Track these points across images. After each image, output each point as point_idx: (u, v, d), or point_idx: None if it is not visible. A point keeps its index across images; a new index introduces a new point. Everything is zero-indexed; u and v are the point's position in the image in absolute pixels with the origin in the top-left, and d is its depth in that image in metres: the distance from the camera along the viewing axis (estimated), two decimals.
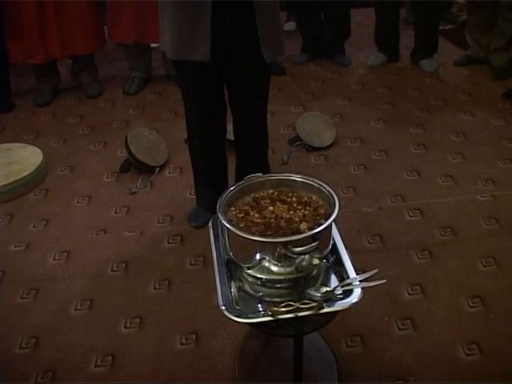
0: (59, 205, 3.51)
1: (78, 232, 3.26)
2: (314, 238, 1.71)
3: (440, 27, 5.23)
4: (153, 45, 4.77)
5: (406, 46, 5.18)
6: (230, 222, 1.80)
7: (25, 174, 3.63)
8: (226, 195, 1.91)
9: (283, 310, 1.70)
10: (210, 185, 3.19)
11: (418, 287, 2.77)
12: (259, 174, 2.02)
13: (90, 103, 4.70)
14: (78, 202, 3.52)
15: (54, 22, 4.35)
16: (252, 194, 1.97)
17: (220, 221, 1.83)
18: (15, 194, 3.58)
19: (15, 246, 3.17)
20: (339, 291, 1.77)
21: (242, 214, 1.87)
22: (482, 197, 3.39)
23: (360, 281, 1.78)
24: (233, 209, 1.91)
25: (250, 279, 1.84)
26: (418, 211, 3.29)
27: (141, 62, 4.82)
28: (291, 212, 1.87)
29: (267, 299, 1.80)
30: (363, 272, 1.80)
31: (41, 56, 4.47)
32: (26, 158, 3.79)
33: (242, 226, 1.81)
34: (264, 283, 1.82)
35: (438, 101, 4.53)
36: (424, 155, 3.83)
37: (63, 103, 4.73)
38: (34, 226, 3.33)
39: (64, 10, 4.36)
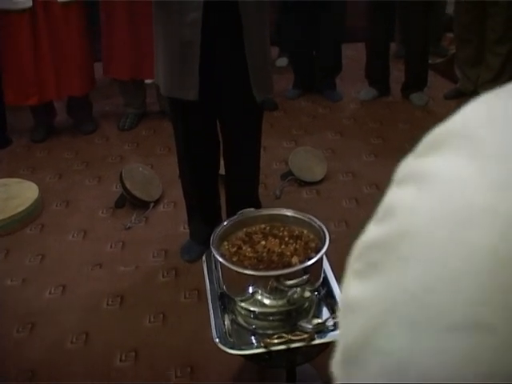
0: (55, 239, 3.54)
1: (73, 266, 3.29)
2: (305, 271, 1.76)
3: (430, 61, 5.31)
4: (147, 81, 4.82)
5: (396, 80, 5.24)
6: (223, 256, 1.84)
7: (21, 209, 3.66)
8: (219, 230, 1.96)
9: (276, 341, 1.74)
10: (202, 220, 3.23)
11: None
12: (252, 209, 2.07)
13: (85, 139, 4.75)
14: (73, 237, 3.55)
15: (49, 61, 4.41)
16: (244, 229, 2.02)
17: (213, 255, 1.87)
18: (11, 228, 3.61)
19: (11, 281, 3.20)
20: (330, 323, 1.81)
21: (235, 249, 1.91)
22: None
23: None
24: (226, 243, 1.95)
25: (243, 312, 1.88)
26: None
27: (135, 98, 4.88)
28: (283, 246, 1.91)
29: (260, 331, 1.84)
30: None
31: (36, 98, 4.51)
32: (22, 193, 3.83)
33: (234, 260, 1.86)
34: (257, 316, 1.86)
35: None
36: None
37: (59, 139, 4.78)
38: (29, 261, 3.36)
39: (59, 52, 4.42)
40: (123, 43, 4.52)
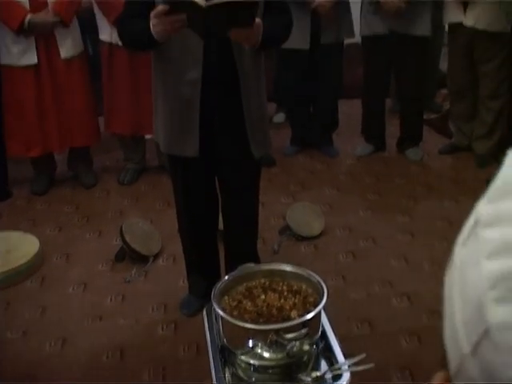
0: (55, 293, 3.57)
1: (73, 319, 3.32)
2: (304, 324, 1.80)
3: (424, 117, 5.42)
4: (147, 136, 4.91)
5: (392, 135, 5.33)
6: (223, 310, 1.89)
7: (21, 262, 3.70)
8: (220, 284, 2.01)
9: None
10: (201, 274, 3.27)
11: (406, 371, 2.83)
12: (251, 265, 2.12)
13: (86, 193, 4.81)
14: (73, 290, 3.59)
15: (52, 116, 4.54)
16: (245, 284, 2.06)
17: (214, 309, 1.92)
18: (12, 281, 3.64)
19: (11, 334, 3.22)
20: (329, 375, 1.84)
21: (236, 303, 1.96)
22: None
23: (349, 365, 1.86)
24: (226, 297, 2.00)
25: (243, 365, 1.91)
26: (405, 297, 3.37)
27: (135, 153, 4.97)
28: (282, 300, 1.96)
29: None
30: (352, 357, 1.87)
31: (39, 149, 4.62)
32: (22, 245, 3.87)
33: (235, 313, 1.90)
34: (257, 369, 1.89)
35: (424, 188, 4.66)
36: (411, 242, 3.94)
37: (59, 192, 4.85)
38: (30, 314, 3.38)
39: (63, 103, 4.55)
40: (124, 100, 4.64)
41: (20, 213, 4.55)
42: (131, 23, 2.66)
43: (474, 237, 0.60)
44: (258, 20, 2.46)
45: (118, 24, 2.80)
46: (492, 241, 0.55)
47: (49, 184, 4.90)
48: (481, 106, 4.96)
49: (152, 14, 2.43)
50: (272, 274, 2.10)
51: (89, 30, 5.09)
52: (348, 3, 5.01)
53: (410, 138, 5.23)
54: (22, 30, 4.32)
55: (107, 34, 4.53)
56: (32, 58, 4.41)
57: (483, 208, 0.61)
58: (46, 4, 4.35)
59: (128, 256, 3.83)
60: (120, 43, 4.07)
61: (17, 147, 4.63)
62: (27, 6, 4.31)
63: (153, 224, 4.12)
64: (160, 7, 2.40)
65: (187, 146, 2.79)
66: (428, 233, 4.03)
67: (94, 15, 4.65)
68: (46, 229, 4.29)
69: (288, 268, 2.09)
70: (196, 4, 2.25)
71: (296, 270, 2.08)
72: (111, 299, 3.48)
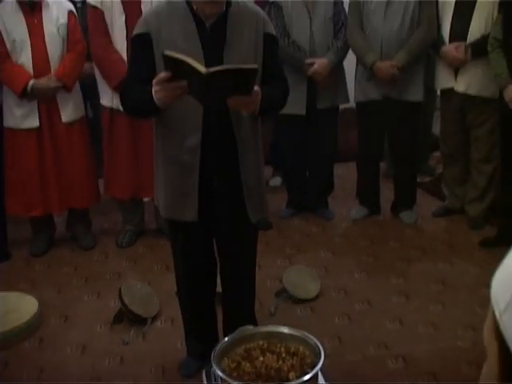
0: (53, 354, 3.57)
1: (71, 381, 3.31)
2: None
3: (418, 180, 5.51)
4: (145, 199, 4.97)
5: (386, 198, 5.40)
6: (223, 371, 1.93)
7: (20, 322, 3.70)
8: (219, 346, 2.05)
9: None
10: (199, 336, 3.30)
11: None
12: (250, 327, 2.18)
13: (84, 254, 4.85)
14: (71, 351, 3.59)
15: (53, 177, 4.62)
16: (243, 345, 2.11)
17: (214, 370, 1.96)
18: (10, 342, 3.63)
19: None
20: None
21: (235, 364, 2.00)
22: (462, 343, 3.51)
23: None
24: (226, 359, 2.04)
25: None
26: (401, 358, 3.40)
27: (134, 215, 5.02)
28: (280, 362, 2.01)
29: None
30: None
31: (39, 210, 4.69)
32: (21, 306, 3.88)
33: (234, 375, 1.95)
34: None
35: (418, 251, 4.72)
36: (405, 304, 3.98)
37: (58, 254, 4.88)
38: (28, 375, 3.37)
39: (63, 166, 4.64)
40: (124, 164, 4.73)
41: (19, 274, 4.57)
42: (133, 90, 2.74)
43: None
44: (256, 87, 2.53)
45: (121, 91, 2.89)
46: None
47: (48, 245, 4.93)
48: (473, 169, 5.06)
49: (154, 81, 2.51)
50: (270, 336, 2.15)
51: (89, 94, 5.21)
52: (343, 70, 5.16)
53: (404, 201, 5.31)
54: (25, 94, 4.44)
55: (108, 99, 4.64)
56: (34, 122, 4.52)
57: None
58: (49, 69, 4.48)
59: (126, 318, 3.84)
60: (121, 108, 4.22)
61: (17, 207, 4.70)
62: (31, 70, 4.44)
63: (151, 286, 4.14)
64: (162, 74, 2.48)
65: (186, 210, 2.86)
66: (422, 295, 4.07)
67: (95, 80, 4.77)
68: (44, 290, 4.30)
69: (285, 330, 2.15)
70: (197, 71, 2.32)
71: (293, 332, 2.13)
72: (109, 361, 3.49)
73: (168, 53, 2.37)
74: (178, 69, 2.42)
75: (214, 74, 2.32)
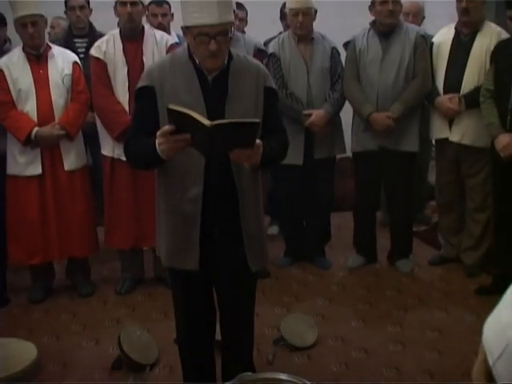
0: None
1: None
2: None
3: (414, 229, 5.54)
4: (145, 248, 5.02)
5: (383, 247, 5.44)
6: None
7: (18, 369, 3.67)
8: None
9: None
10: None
11: None
12: (249, 373, 2.21)
13: (83, 301, 4.86)
14: None
15: (54, 225, 4.67)
16: None
17: None
18: None
19: None
20: None
21: None
22: None
23: None
24: None
25: None
26: None
27: (133, 264, 5.05)
28: None
29: None
30: None
31: (40, 257, 4.72)
32: (19, 353, 3.86)
33: None
34: None
35: (414, 299, 4.74)
36: (402, 352, 3.99)
37: (57, 300, 4.90)
38: None
39: (65, 214, 4.69)
40: (125, 214, 4.78)
41: (17, 320, 4.59)
42: (137, 141, 2.81)
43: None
44: (258, 141, 2.60)
45: (125, 142, 2.95)
46: None
47: (46, 292, 4.95)
48: (468, 218, 5.11)
49: (158, 134, 2.58)
50: (269, 382, 2.18)
51: (90, 142, 5.28)
52: (340, 121, 5.25)
53: (401, 250, 5.35)
54: (29, 142, 4.52)
55: (109, 149, 4.73)
56: (37, 169, 4.60)
57: None
58: (53, 118, 4.58)
59: (125, 365, 3.85)
60: (122, 158, 4.31)
61: (18, 254, 4.74)
62: (35, 118, 4.53)
63: (150, 333, 4.15)
64: (166, 127, 2.55)
65: (188, 259, 2.91)
66: (419, 343, 4.09)
67: (95, 129, 4.85)
68: (43, 336, 4.31)
69: (284, 377, 2.19)
70: (201, 124, 2.40)
71: (292, 378, 2.17)
72: None
73: (172, 106, 2.45)
74: (181, 122, 2.50)
75: (217, 127, 2.40)
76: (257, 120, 2.56)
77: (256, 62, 3.06)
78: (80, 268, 5.02)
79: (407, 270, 5.25)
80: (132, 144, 2.86)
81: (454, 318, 4.43)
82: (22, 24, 4.47)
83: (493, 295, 4.42)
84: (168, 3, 5.49)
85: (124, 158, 4.31)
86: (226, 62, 2.84)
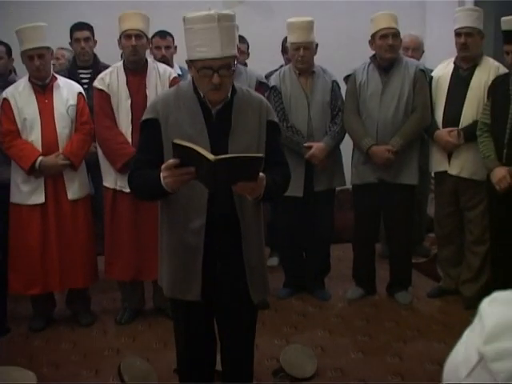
0: None
1: None
2: None
3: (413, 261, 5.56)
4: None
5: (382, 279, 5.46)
6: None
7: None
8: None
9: None
10: None
11: None
12: None
13: (83, 331, 4.87)
14: None
15: (55, 255, 4.68)
16: None
17: None
18: None
19: None
20: None
21: None
22: None
23: None
24: None
25: None
26: None
27: (133, 294, 5.04)
28: None
29: None
30: None
31: (39, 288, 4.73)
32: (19, 381, 3.86)
33: None
34: None
35: (414, 331, 4.75)
36: None
37: (57, 330, 4.90)
38: None
39: (66, 243, 4.71)
40: (126, 246, 4.79)
41: (17, 349, 4.59)
42: (142, 174, 2.85)
43: (481, 370, 0.88)
44: (262, 174, 2.65)
45: (129, 173, 2.98)
46: (503, 372, 0.84)
47: (47, 321, 4.96)
48: (467, 250, 5.13)
49: (163, 167, 2.62)
50: None
51: (92, 171, 5.32)
52: (340, 153, 5.31)
53: (400, 282, 5.36)
54: (33, 171, 4.57)
55: (111, 181, 4.76)
56: (40, 198, 4.63)
57: (485, 348, 0.88)
58: (57, 147, 4.63)
59: None
60: (124, 190, 4.35)
61: (18, 284, 4.75)
62: (40, 148, 4.58)
63: (150, 363, 4.16)
64: (171, 161, 2.59)
65: (190, 290, 2.93)
66: (418, 375, 4.09)
67: (97, 158, 4.89)
68: (43, 365, 4.31)
69: None
70: (206, 158, 2.44)
71: None
72: None
73: (177, 141, 2.50)
74: (186, 156, 2.54)
75: (221, 161, 2.44)
76: (261, 155, 2.61)
77: (259, 95, 3.11)
78: (80, 298, 5.03)
79: (406, 302, 5.26)
80: (136, 176, 2.89)
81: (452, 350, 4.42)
82: (28, 56, 4.55)
83: None
84: (171, 36, 5.58)
85: (126, 190, 4.39)
86: (229, 95, 2.89)
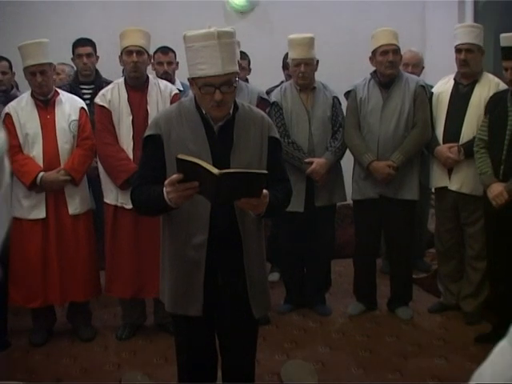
0: None
1: None
2: None
3: (414, 276, 5.56)
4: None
5: (382, 294, 5.46)
6: None
7: None
8: None
9: None
10: None
11: None
12: None
13: (84, 346, 4.86)
14: None
15: (56, 269, 4.69)
16: None
17: None
18: None
19: None
20: None
21: None
22: None
23: None
24: None
25: None
26: None
27: (133, 310, 5.03)
28: None
29: None
30: None
31: (40, 301, 4.73)
32: None
33: None
34: None
35: (414, 347, 4.74)
36: None
37: (58, 344, 4.89)
38: None
39: (67, 258, 4.72)
40: (127, 263, 4.79)
41: (18, 363, 4.59)
42: (144, 189, 2.86)
43: None
44: (265, 191, 2.66)
45: (131, 190, 2.99)
46: None
47: (47, 336, 4.95)
48: (467, 266, 5.14)
49: (166, 183, 2.64)
50: None
51: (92, 185, 5.33)
52: (340, 169, 5.32)
53: (400, 297, 5.36)
54: (34, 186, 4.59)
55: (113, 197, 4.77)
56: (41, 213, 4.65)
57: None
58: (59, 163, 4.65)
59: None
60: (125, 206, 4.37)
61: (19, 297, 4.75)
62: (41, 163, 4.61)
63: (150, 378, 4.16)
64: (175, 176, 2.60)
65: (191, 305, 2.94)
66: None
67: (98, 172, 4.92)
68: (43, 380, 4.30)
69: None
70: (210, 172, 2.46)
71: None
72: None
73: (181, 156, 2.52)
74: (190, 170, 2.56)
75: (225, 175, 2.46)
76: (265, 171, 2.63)
77: (260, 112, 3.13)
78: (81, 312, 5.02)
79: (407, 318, 5.26)
80: (139, 191, 2.91)
81: (453, 365, 4.44)
82: (31, 72, 4.58)
83: (493, 343, 4.42)
84: (173, 51, 5.62)
85: (127, 207, 4.42)
86: (231, 111, 2.91)
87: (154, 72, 5.36)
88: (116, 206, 4.76)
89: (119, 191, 4.68)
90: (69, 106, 4.78)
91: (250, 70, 6.03)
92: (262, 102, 5.07)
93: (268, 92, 5.54)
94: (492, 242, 4.71)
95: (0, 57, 5.31)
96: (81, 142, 4.76)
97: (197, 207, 2.83)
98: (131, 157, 4.65)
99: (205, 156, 2.77)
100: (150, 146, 2.93)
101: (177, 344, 3.21)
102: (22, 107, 4.66)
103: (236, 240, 2.93)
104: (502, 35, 4.53)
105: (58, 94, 4.79)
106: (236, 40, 2.89)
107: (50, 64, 4.67)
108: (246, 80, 5.79)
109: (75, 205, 4.75)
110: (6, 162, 0.77)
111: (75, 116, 4.76)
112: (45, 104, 4.69)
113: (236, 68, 2.88)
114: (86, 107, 4.90)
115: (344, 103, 5.29)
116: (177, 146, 2.81)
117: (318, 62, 5.14)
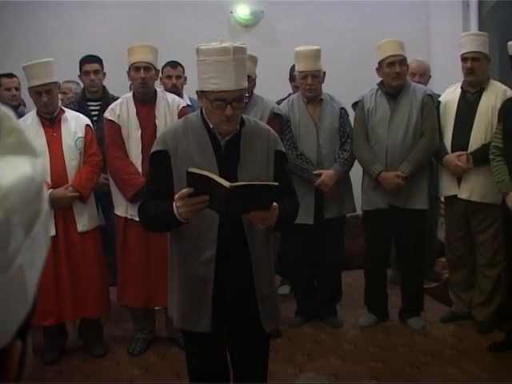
0: None
1: None
2: None
3: (425, 285, 5.54)
4: (156, 307, 5.03)
5: (394, 305, 5.44)
6: None
7: None
8: None
9: None
10: None
11: None
12: None
13: (96, 362, 4.85)
14: None
15: (67, 286, 4.69)
16: None
17: None
18: None
19: None
20: None
21: None
22: None
23: None
24: None
25: None
26: None
27: (145, 323, 5.04)
28: None
29: None
30: None
31: (52, 319, 4.72)
32: None
33: None
34: None
35: (427, 357, 4.71)
36: None
37: (70, 361, 4.89)
38: None
39: (77, 275, 4.72)
40: (138, 273, 4.81)
41: (30, 381, 4.50)
42: (152, 205, 2.87)
43: None
44: (274, 204, 2.67)
45: (139, 206, 3.00)
46: None
47: (59, 353, 4.95)
48: (479, 274, 5.12)
49: (176, 197, 2.65)
50: None
51: (102, 201, 5.34)
52: (349, 180, 5.32)
53: (412, 307, 5.34)
54: None
55: (123, 209, 4.80)
56: (51, 231, 4.63)
57: None
58: (66, 180, 4.66)
59: None
60: (135, 218, 4.38)
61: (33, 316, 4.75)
62: (49, 180, 4.60)
63: None
64: (185, 190, 2.61)
65: (200, 321, 2.93)
66: None
67: (106, 188, 4.96)
68: None
69: None
70: (221, 185, 2.47)
71: None
72: None
73: (191, 169, 2.53)
74: (200, 184, 2.57)
75: (236, 188, 2.47)
76: (276, 183, 2.64)
77: (266, 126, 3.14)
78: (92, 328, 5.02)
79: (419, 327, 5.24)
80: (147, 207, 2.91)
81: (467, 375, 4.41)
82: (36, 92, 4.60)
83: (506, 351, 4.42)
84: (182, 66, 5.65)
85: (137, 219, 4.39)
86: (238, 126, 2.92)
87: (163, 86, 5.37)
88: (126, 218, 4.79)
89: (129, 204, 4.71)
90: (74, 123, 4.79)
91: (255, 83, 6.03)
92: (275, 118, 5.04)
93: None
94: (510, 249, 4.69)
95: (11, 74, 5.34)
96: (88, 159, 4.78)
97: (205, 222, 2.83)
98: (140, 170, 4.69)
99: (212, 171, 2.77)
100: (157, 161, 2.94)
101: (188, 360, 3.20)
102: (28, 126, 4.67)
103: (244, 254, 2.92)
104: (510, 43, 4.53)
105: (64, 111, 4.81)
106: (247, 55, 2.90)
107: (56, 83, 4.68)
108: (252, 93, 5.79)
109: (84, 221, 4.75)
110: (45, 189, 0.77)
111: (81, 133, 4.77)
112: (51, 122, 4.71)
113: (246, 83, 2.89)
114: (91, 124, 4.91)
115: (351, 114, 5.29)
116: (184, 161, 2.81)
117: (324, 73, 5.15)
